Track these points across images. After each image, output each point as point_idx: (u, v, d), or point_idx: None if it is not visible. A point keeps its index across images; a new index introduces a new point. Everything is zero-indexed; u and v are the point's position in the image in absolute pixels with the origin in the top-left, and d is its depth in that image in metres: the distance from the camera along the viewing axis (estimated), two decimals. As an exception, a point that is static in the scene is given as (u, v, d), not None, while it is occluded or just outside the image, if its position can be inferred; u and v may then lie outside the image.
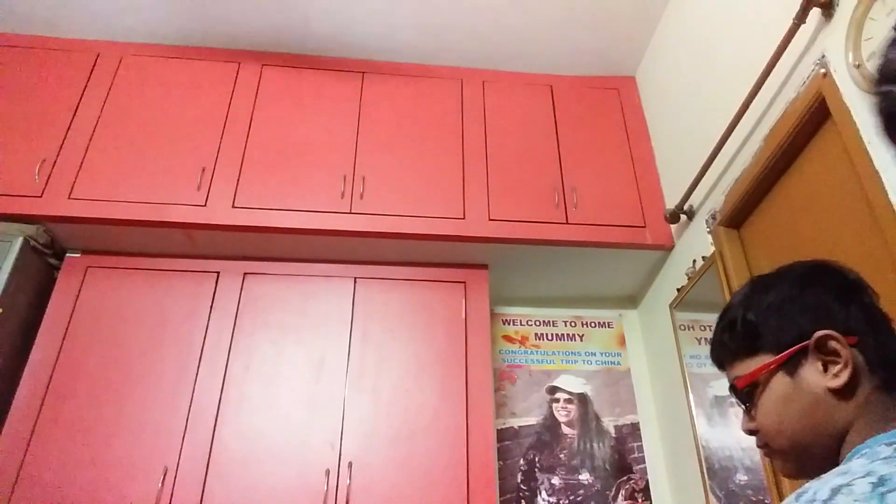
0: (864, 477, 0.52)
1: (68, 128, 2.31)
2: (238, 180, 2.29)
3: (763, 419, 0.70)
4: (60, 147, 2.27)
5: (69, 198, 2.18)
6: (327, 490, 1.94)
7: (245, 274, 2.30)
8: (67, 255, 2.28)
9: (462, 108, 2.56)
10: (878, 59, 0.64)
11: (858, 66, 1.38)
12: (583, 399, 2.56)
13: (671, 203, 2.33)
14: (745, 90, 1.79)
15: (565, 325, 2.73)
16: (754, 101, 1.78)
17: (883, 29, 1.32)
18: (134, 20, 2.49)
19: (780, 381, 0.68)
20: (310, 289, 2.31)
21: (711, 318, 2.11)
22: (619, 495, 2.36)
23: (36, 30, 2.52)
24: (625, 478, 2.40)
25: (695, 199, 2.19)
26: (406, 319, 2.28)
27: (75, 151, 2.27)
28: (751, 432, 0.73)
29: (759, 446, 0.73)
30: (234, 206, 2.23)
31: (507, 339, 2.68)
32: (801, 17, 1.55)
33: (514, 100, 2.62)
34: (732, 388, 0.74)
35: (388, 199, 2.31)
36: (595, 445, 2.46)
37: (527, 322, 2.72)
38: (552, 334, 2.70)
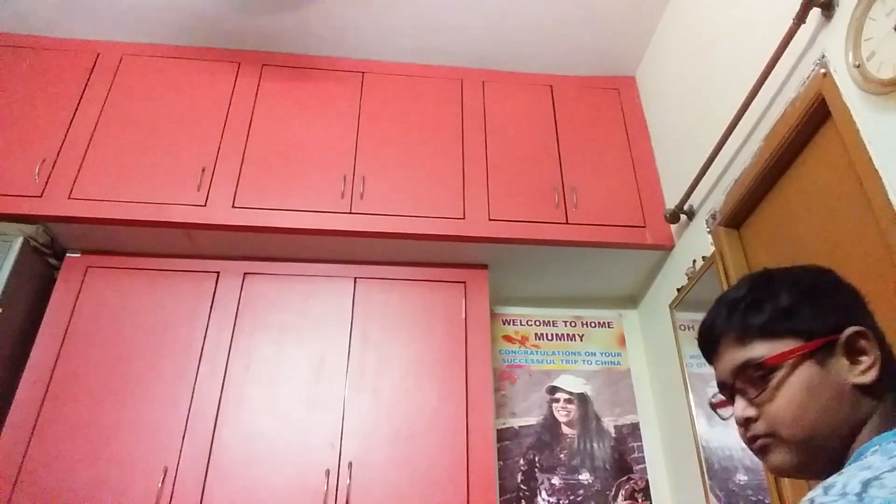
0: (892, 471, 0.52)
1: (68, 128, 2.31)
2: (238, 180, 2.29)
3: (781, 405, 0.67)
4: (60, 147, 2.27)
5: (69, 198, 2.18)
6: (327, 490, 1.94)
7: (245, 274, 2.30)
8: (67, 255, 2.28)
9: (462, 108, 2.56)
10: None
11: (858, 66, 1.38)
12: (583, 399, 2.56)
13: (671, 203, 2.33)
14: (745, 90, 1.79)
15: (565, 325, 2.73)
16: (754, 101, 1.78)
17: (883, 29, 1.32)
18: (134, 20, 2.49)
19: (808, 369, 0.67)
20: (310, 289, 2.31)
21: (711, 318, 2.12)
22: (619, 495, 2.36)
23: (36, 30, 2.52)
24: (625, 478, 2.40)
25: (695, 199, 2.19)
26: (406, 319, 2.28)
27: (75, 151, 2.27)
28: (747, 420, 0.69)
29: (750, 437, 0.70)
30: (234, 206, 2.24)
31: (507, 339, 2.68)
32: (801, 17, 1.55)
33: (514, 100, 2.62)
34: (741, 369, 0.70)
35: (388, 199, 2.31)
36: (595, 445, 2.46)
37: (527, 322, 2.72)
38: (552, 334, 2.70)
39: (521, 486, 2.36)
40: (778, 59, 1.66)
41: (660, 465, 2.43)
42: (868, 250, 1.38)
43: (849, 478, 0.54)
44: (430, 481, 1.99)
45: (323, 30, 2.54)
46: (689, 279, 2.20)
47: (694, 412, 2.13)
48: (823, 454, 0.65)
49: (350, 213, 2.27)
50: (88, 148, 2.28)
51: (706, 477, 2.02)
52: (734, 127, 1.87)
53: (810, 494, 0.55)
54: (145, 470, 1.93)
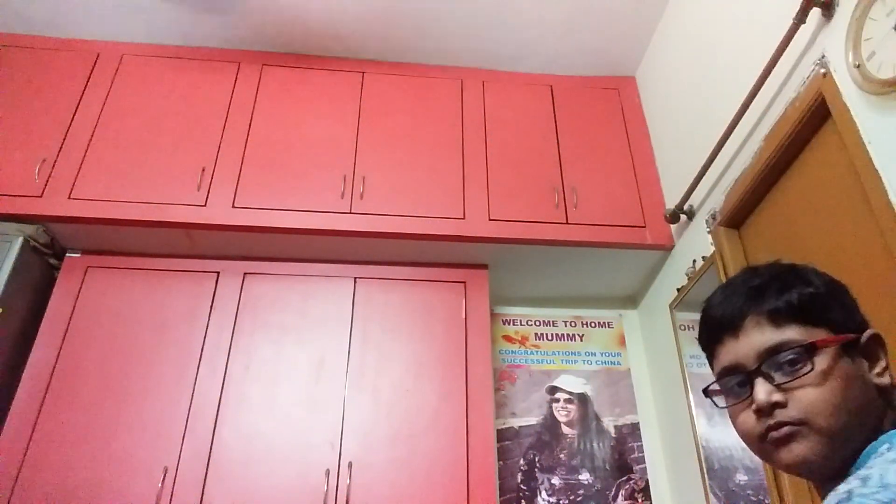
0: None
1: (68, 128, 2.31)
2: (238, 180, 2.29)
3: (820, 394, 0.64)
4: (60, 147, 2.27)
5: (69, 198, 2.18)
6: (327, 490, 1.94)
7: (245, 274, 2.30)
8: (67, 255, 2.28)
9: (462, 107, 2.56)
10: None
11: (858, 66, 1.38)
12: (583, 399, 2.56)
13: (671, 203, 2.33)
14: (745, 90, 1.79)
15: (565, 325, 2.73)
16: (754, 101, 1.78)
17: (883, 29, 1.33)
18: (134, 20, 2.49)
19: (844, 360, 0.66)
20: (310, 289, 2.31)
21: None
22: (619, 495, 2.36)
23: (36, 30, 2.52)
24: (625, 478, 2.40)
25: (695, 199, 2.19)
26: (406, 319, 2.28)
27: (75, 151, 2.27)
28: (773, 406, 0.65)
29: (775, 423, 0.65)
30: (234, 206, 2.23)
31: (507, 339, 2.68)
32: (801, 17, 1.55)
33: (514, 100, 2.62)
34: (772, 352, 0.67)
35: (388, 199, 2.31)
36: (595, 445, 2.46)
37: (527, 322, 2.72)
38: (552, 334, 2.70)
39: (521, 486, 2.36)
40: (778, 59, 1.66)
41: (660, 465, 2.43)
42: (868, 250, 1.38)
43: (884, 470, 0.54)
44: (430, 481, 1.99)
45: (323, 30, 2.54)
46: (689, 279, 2.20)
47: (694, 412, 2.13)
48: (846, 450, 0.63)
49: (350, 213, 2.27)
50: (88, 148, 2.28)
51: (706, 477, 2.02)
52: (734, 127, 1.87)
53: (844, 487, 0.55)
54: (145, 470, 1.93)
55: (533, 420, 2.49)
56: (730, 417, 0.72)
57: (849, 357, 0.67)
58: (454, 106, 2.56)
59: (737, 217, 1.93)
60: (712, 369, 0.76)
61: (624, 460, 2.44)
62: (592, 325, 2.74)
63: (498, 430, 2.42)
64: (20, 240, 2.10)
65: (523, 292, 2.69)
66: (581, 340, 2.70)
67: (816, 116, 1.55)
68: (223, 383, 2.09)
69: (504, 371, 2.59)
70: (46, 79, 2.41)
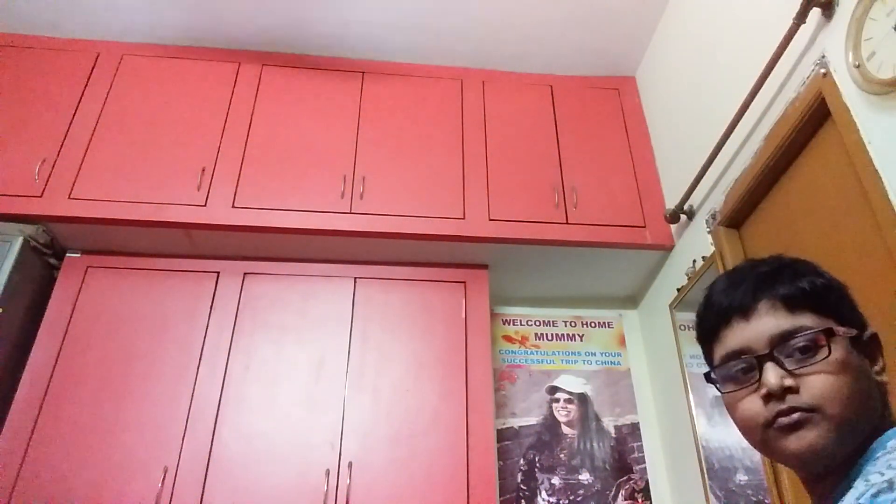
0: None
1: (68, 128, 2.31)
2: (238, 180, 2.29)
3: (832, 382, 0.63)
4: (60, 147, 2.27)
5: (69, 198, 2.18)
6: (327, 490, 1.94)
7: (245, 274, 2.30)
8: (67, 255, 2.28)
9: (462, 107, 2.56)
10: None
11: (858, 66, 1.38)
12: (583, 399, 2.56)
13: (671, 203, 2.33)
14: (745, 90, 1.79)
15: (565, 325, 2.73)
16: (754, 101, 1.78)
17: (883, 29, 1.33)
18: (134, 20, 2.49)
19: (853, 351, 0.66)
20: (310, 289, 2.31)
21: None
22: (619, 495, 2.36)
23: (36, 30, 2.52)
24: (625, 478, 2.40)
25: (695, 199, 2.19)
26: (406, 319, 2.28)
27: (75, 151, 2.27)
28: (785, 391, 0.64)
29: (786, 409, 0.63)
30: (234, 206, 2.23)
31: (507, 339, 2.68)
32: (801, 17, 1.55)
33: (514, 100, 2.62)
34: (786, 337, 0.66)
35: (388, 199, 2.31)
36: (595, 445, 2.46)
37: (527, 322, 2.72)
38: (552, 334, 2.70)
39: (521, 486, 2.36)
40: (778, 59, 1.66)
41: (660, 465, 2.43)
42: (868, 250, 1.39)
43: None
44: (430, 481, 1.99)
45: (323, 30, 2.54)
46: (689, 279, 2.20)
47: (694, 412, 2.13)
48: (851, 443, 0.63)
49: (350, 213, 2.27)
50: (88, 148, 2.28)
51: (706, 477, 2.02)
52: (734, 127, 1.87)
53: (880, 479, 0.54)
54: (145, 470, 1.93)
55: (533, 420, 2.49)
56: (728, 405, 0.70)
57: (856, 348, 0.67)
58: (454, 106, 2.56)
59: (737, 217, 1.93)
60: (710, 357, 0.74)
61: (624, 460, 2.44)
62: (592, 325, 2.74)
63: (498, 430, 2.42)
64: (20, 240, 2.10)
65: (523, 292, 2.69)
66: (581, 340, 2.70)
67: (816, 116, 1.55)
68: (223, 383, 2.09)
69: (504, 371, 2.59)
70: (46, 79, 2.41)
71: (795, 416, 0.63)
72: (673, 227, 2.36)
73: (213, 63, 2.54)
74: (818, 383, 0.63)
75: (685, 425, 2.19)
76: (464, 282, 2.37)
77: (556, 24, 2.52)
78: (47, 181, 2.20)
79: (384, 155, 2.41)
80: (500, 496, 2.29)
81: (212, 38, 2.57)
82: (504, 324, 2.70)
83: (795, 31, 1.58)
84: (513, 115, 2.58)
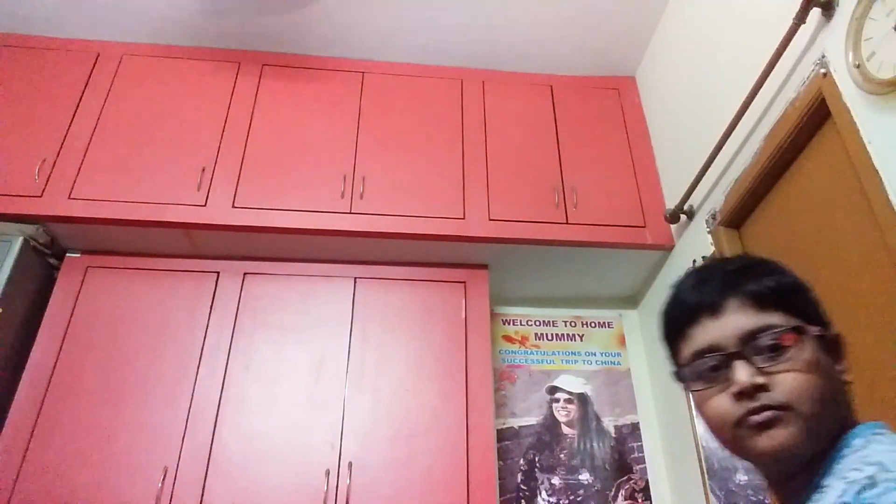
0: None
1: (68, 128, 2.31)
2: (238, 180, 2.29)
3: (802, 379, 0.63)
4: (60, 147, 2.27)
5: (69, 198, 2.18)
6: (327, 490, 1.94)
7: (245, 274, 2.30)
8: (67, 255, 2.28)
9: (462, 108, 2.56)
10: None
11: (858, 66, 1.38)
12: (583, 399, 2.56)
13: (671, 203, 2.33)
14: (745, 90, 1.79)
15: (565, 325, 2.73)
16: (754, 101, 1.78)
17: (883, 29, 1.33)
18: (134, 20, 2.49)
19: (820, 350, 0.66)
20: (310, 289, 2.31)
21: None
22: (619, 495, 2.36)
23: (36, 30, 2.52)
24: (625, 478, 2.40)
25: (695, 199, 2.19)
26: (406, 319, 2.28)
27: (75, 151, 2.27)
28: (756, 388, 0.63)
29: (758, 406, 0.63)
30: (234, 206, 2.24)
31: (507, 339, 2.68)
32: (801, 17, 1.55)
33: (514, 100, 2.62)
34: (755, 334, 0.65)
35: (388, 199, 2.31)
36: (595, 445, 2.46)
37: (527, 322, 2.72)
38: (552, 334, 2.70)
39: (521, 486, 2.36)
40: (778, 59, 1.66)
41: (660, 465, 2.43)
42: (868, 250, 1.39)
43: (886, 462, 0.55)
44: (430, 481, 1.99)
45: (323, 30, 2.54)
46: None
47: (694, 412, 2.13)
48: (819, 442, 0.63)
49: (350, 213, 2.27)
50: (88, 148, 2.28)
51: (706, 477, 2.02)
52: (734, 127, 1.87)
53: (860, 476, 0.54)
54: (145, 470, 1.93)
55: (533, 420, 2.49)
56: (697, 403, 0.70)
57: (822, 348, 0.67)
58: (454, 106, 2.56)
59: (737, 217, 1.93)
60: (676, 355, 0.73)
61: (624, 460, 2.44)
62: (592, 325, 2.74)
63: (498, 430, 2.41)
64: (20, 240, 2.10)
65: (523, 292, 2.69)
66: (581, 340, 2.70)
67: (816, 116, 1.55)
68: (223, 383, 2.09)
69: (504, 371, 2.59)
70: (46, 79, 2.41)
71: (767, 414, 0.62)
72: (673, 227, 2.36)
73: (213, 63, 2.54)
74: (789, 381, 0.63)
75: (685, 425, 2.19)
76: (464, 282, 2.37)
77: (556, 24, 2.52)
78: (47, 181, 2.20)
79: (384, 155, 2.41)
80: (500, 496, 2.29)
81: (212, 38, 2.57)
82: (504, 324, 2.70)
83: (795, 31, 1.58)
84: (513, 115, 2.58)
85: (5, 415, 1.98)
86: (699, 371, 0.68)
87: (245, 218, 2.22)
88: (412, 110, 2.53)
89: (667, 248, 2.36)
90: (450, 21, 2.51)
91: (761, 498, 1.75)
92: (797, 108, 1.60)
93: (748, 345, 0.65)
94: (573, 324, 2.73)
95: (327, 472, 1.97)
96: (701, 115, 2.17)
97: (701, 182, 2.09)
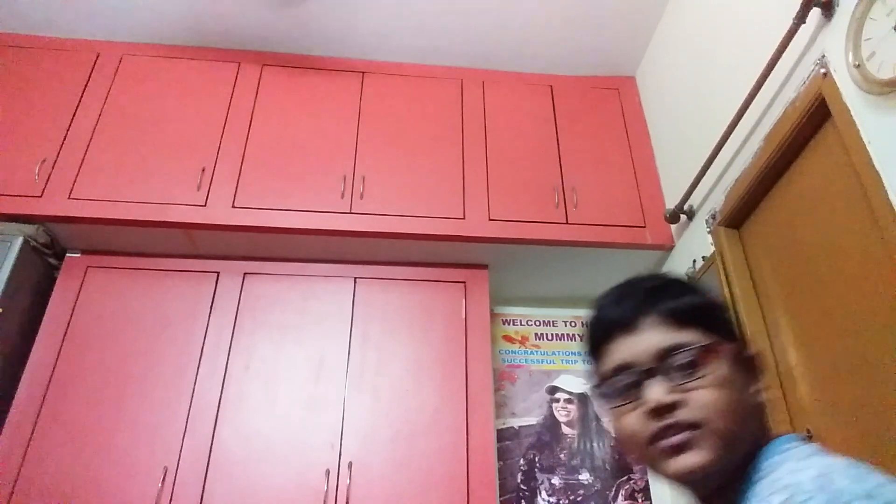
0: (822, 473, 0.53)
1: (68, 128, 2.31)
2: (238, 180, 2.29)
3: (716, 395, 0.62)
4: (60, 147, 2.27)
5: (69, 198, 2.18)
6: (327, 490, 1.94)
7: (245, 274, 2.30)
8: (67, 255, 2.28)
9: (462, 108, 2.56)
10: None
11: (858, 66, 1.38)
12: (583, 399, 2.56)
13: (671, 203, 2.33)
14: (745, 90, 1.79)
15: (565, 325, 2.73)
16: (754, 101, 1.78)
17: (883, 29, 1.33)
18: (134, 20, 2.49)
19: (735, 368, 0.66)
20: (310, 289, 2.31)
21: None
22: (619, 495, 2.36)
23: (36, 30, 2.52)
24: (625, 478, 2.40)
25: (695, 199, 2.19)
26: (406, 319, 2.28)
27: (75, 151, 2.27)
28: (670, 407, 0.63)
29: (668, 425, 0.62)
30: (234, 206, 2.24)
31: (507, 339, 2.68)
32: (801, 17, 1.55)
33: (514, 100, 2.62)
34: (671, 352, 0.65)
35: (388, 199, 2.31)
36: (595, 445, 2.46)
37: (527, 322, 2.72)
38: (552, 334, 2.70)
39: (521, 486, 2.36)
40: (778, 59, 1.66)
41: (660, 465, 2.42)
42: (868, 250, 1.38)
43: (795, 482, 0.54)
44: (430, 481, 1.99)
45: (323, 30, 2.54)
46: (689, 279, 2.20)
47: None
48: (732, 462, 0.62)
49: (350, 213, 2.27)
50: (88, 148, 2.28)
51: (706, 477, 2.02)
52: (734, 127, 1.87)
53: (776, 501, 0.54)
54: (145, 470, 1.93)
55: (533, 420, 2.49)
56: (614, 420, 0.69)
57: (737, 368, 0.67)
58: (454, 106, 2.56)
59: (737, 217, 1.93)
60: (597, 371, 0.73)
61: (624, 460, 2.43)
62: (592, 325, 2.73)
63: (498, 430, 2.41)
64: (20, 240, 2.10)
65: (523, 292, 2.69)
66: (581, 340, 2.69)
67: (816, 117, 1.55)
68: (223, 383, 2.09)
69: (504, 371, 2.59)
70: (46, 79, 2.41)
71: (679, 437, 0.62)
72: (673, 227, 2.36)
73: (213, 63, 2.54)
74: (702, 397, 0.62)
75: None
76: (464, 282, 2.37)
77: (556, 24, 2.52)
78: (47, 181, 2.20)
79: (384, 155, 2.41)
80: (500, 496, 2.29)
81: (212, 38, 2.57)
82: (504, 324, 2.70)
83: (795, 32, 1.58)
84: (513, 115, 2.58)
85: (5, 415, 1.98)
86: (616, 388, 0.68)
87: (245, 218, 2.22)
88: (412, 110, 2.53)
89: (667, 248, 2.36)
90: (450, 21, 2.51)
91: (761, 498, 1.75)
92: (797, 108, 1.60)
93: (663, 362, 0.65)
94: (573, 324, 2.73)
95: (327, 472, 1.97)
96: (701, 116, 2.17)
97: (701, 182, 2.09)
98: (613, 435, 0.67)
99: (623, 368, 0.67)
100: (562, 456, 2.43)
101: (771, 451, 0.62)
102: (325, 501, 1.92)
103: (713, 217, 2.03)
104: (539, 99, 2.64)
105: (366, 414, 2.08)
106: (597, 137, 2.57)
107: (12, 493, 1.87)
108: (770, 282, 1.79)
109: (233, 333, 2.18)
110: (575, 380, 2.60)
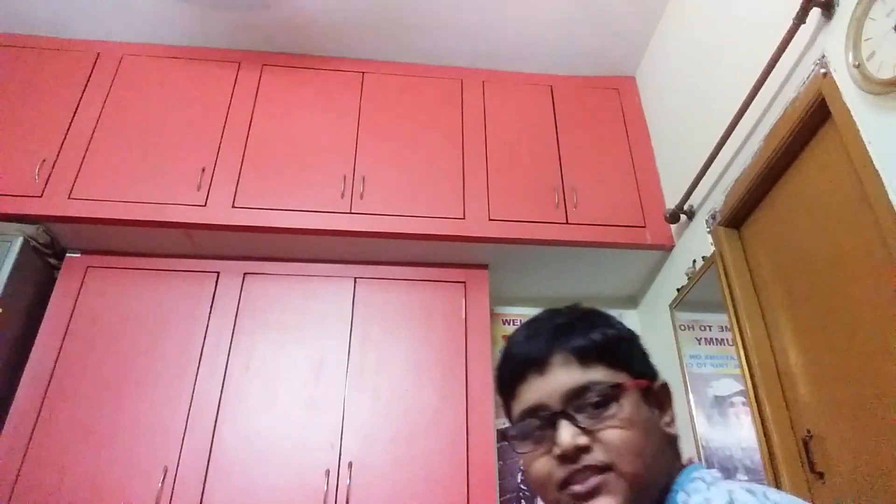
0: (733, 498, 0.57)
1: (68, 128, 2.31)
2: (238, 180, 2.29)
3: (624, 436, 0.62)
4: (60, 147, 2.27)
5: (69, 198, 2.18)
6: (327, 490, 1.94)
7: (245, 274, 2.30)
8: (67, 255, 2.28)
9: (462, 108, 2.56)
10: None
11: (858, 66, 1.38)
12: (583, 399, 2.55)
13: (671, 203, 2.33)
14: (745, 90, 1.79)
15: (565, 325, 2.72)
16: (754, 101, 1.78)
17: (883, 29, 1.32)
18: (134, 20, 2.49)
19: (642, 405, 0.66)
20: (310, 289, 2.31)
21: (712, 319, 2.12)
22: (619, 495, 2.36)
23: (36, 30, 2.52)
24: (625, 478, 2.40)
25: (695, 199, 2.19)
26: (406, 319, 2.28)
27: (75, 151, 2.27)
28: (578, 450, 0.62)
29: (580, 469, 0.61)
30: (234, 206, 2.24)
31: (508, 339, 2.67)
32: (801, 17, 1.55)
33: (514, 100, 2.62)
34: (578, 393, 0.64)
35: (388, 199, 2.31)
36: (595, 445, 2.45)
37: (527, 322, 2.71)
38: (552, 334, 2.70)
39: (521, 486, 2.36)
40: (778, 59, 1.66)
41: (660, 465, 2.42)
42: (868, 250, 1.38)
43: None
44: (430, 481, 1.99)
45: (323, 30, 2.54)
46: (689, 279, 2.20)
47: (694, 412, 2.13)
48: (649, 498, 0.62)
49: (350, 212, 2.27)
50: (88, 148, 2.28)
51: (706, 477, 2.02)
52: (734, 127, 1.87)
53: None
54: (145, 470, 1.93)
55: (533, 420, 2.49)
56: (524, 465, 0.67)
57: (646, 404, 0.66)
58: (454, 106, 2.56)
59: (737, 217, 1.93)
60: (509, 414, 0.71)
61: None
62: (592, 325, 2.73)
63: (498, 430, 2.41)
64: (20, 240, 2.10)
65: (523, 292, 2.69)
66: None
67: (816, 116, 1.55)
68: (223, 383, 2.09)
69: (504, 371, 2.58)
70: (46, 79, 2.41)
71: (590, 482, 0.61)
72: (673, 227, 2.36)
73: (213, 63, 2.54)
74: (612, 439, 0.62)
75: (685, 425, 2.19)
76: (464, 282, 2.37)
77: (556, 24, 2.52)
78: (47, 181, 2.20)
79: (384, 155, 2.41)
80: (500, 496, 2.29)
81: (212, 38, 2.57)
82: (504, 324, 2.70)
83: (795, 32, 1.58)
84: (513, 115, 2.58)
85: (5, 415, 1.98)
86: (526, 432, 0.67)
87: (245, 218, 2.22)
88: (412, 110, 2.53)
89: (667, 248, 2.36)
90: (450, 21, 2.51)
91: (761, 498, 1.75)
92: (797, 108, 1.60)
93: (571, 403, 0.64)
94: (573, 324, 2.73)
95: (327, 472, 1.97)
96: (701, 116, 2.17)
97: (701, 182, 2.09)
98: (528, 481, 0.65)
99: (532, 412, 0.66)
100: (562, 456, 2.42)
101: (679, 486, 0.63)
102: (325, 501, 1.92)
103: (713, 217, 2.03)
104: (539, 99, 2.64)
105: (366, 414, 2.08)
106: (597, 137, 2.57)
107: (12, 493, 1.87)
108: (770, 282, 1.79)
109: (233, 333, 2.18)
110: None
